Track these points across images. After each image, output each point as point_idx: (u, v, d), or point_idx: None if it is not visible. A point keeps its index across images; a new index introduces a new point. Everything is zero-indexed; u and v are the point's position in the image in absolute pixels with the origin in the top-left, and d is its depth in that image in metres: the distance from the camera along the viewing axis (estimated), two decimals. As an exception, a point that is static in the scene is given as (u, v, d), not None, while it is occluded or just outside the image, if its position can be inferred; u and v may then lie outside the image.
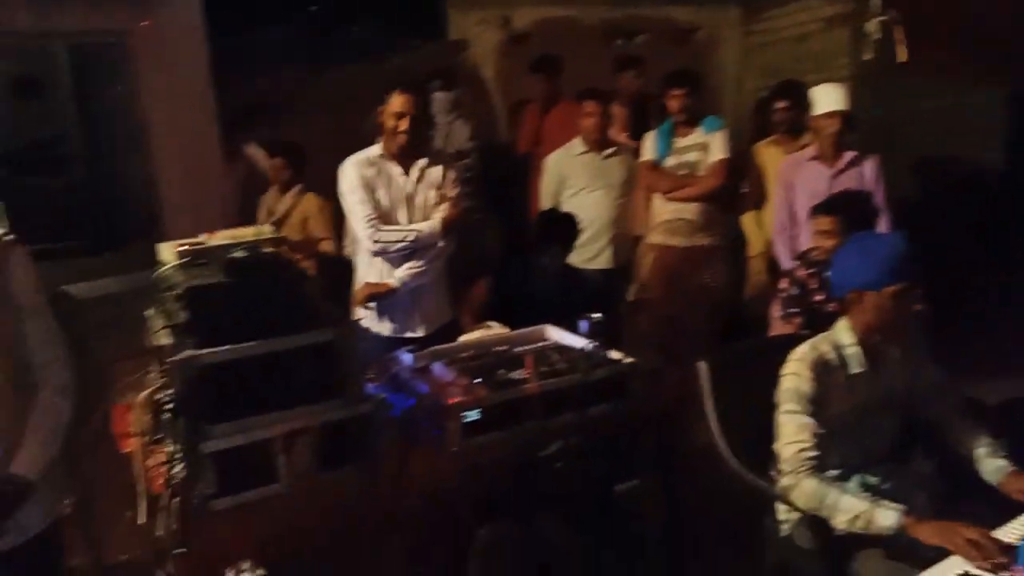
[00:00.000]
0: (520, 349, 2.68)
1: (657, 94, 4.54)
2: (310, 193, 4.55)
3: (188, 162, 4.75)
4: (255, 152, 5.05)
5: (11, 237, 1.92)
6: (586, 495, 2.51)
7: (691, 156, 4.20)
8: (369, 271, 3.20)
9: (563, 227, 3.88)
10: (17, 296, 1.87)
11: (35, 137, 5.44)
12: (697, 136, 4.20)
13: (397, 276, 3.13)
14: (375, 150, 3.16)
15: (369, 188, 3.10)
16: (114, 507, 2.79)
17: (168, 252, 2.30)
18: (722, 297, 4.39)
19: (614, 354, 2.61)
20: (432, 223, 3.14)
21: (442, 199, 3.18)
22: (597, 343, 2.61)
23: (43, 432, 1.89)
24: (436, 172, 3.19)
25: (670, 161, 4.23)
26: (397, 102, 3.01)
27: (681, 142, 4.22)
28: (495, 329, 2.98)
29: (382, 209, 3.12)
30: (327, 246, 4.43)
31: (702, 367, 2.52)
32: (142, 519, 2.30)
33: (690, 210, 4.20)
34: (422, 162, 3.16)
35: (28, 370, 1.90)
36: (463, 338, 2.93)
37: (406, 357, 2.64)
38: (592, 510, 2.53)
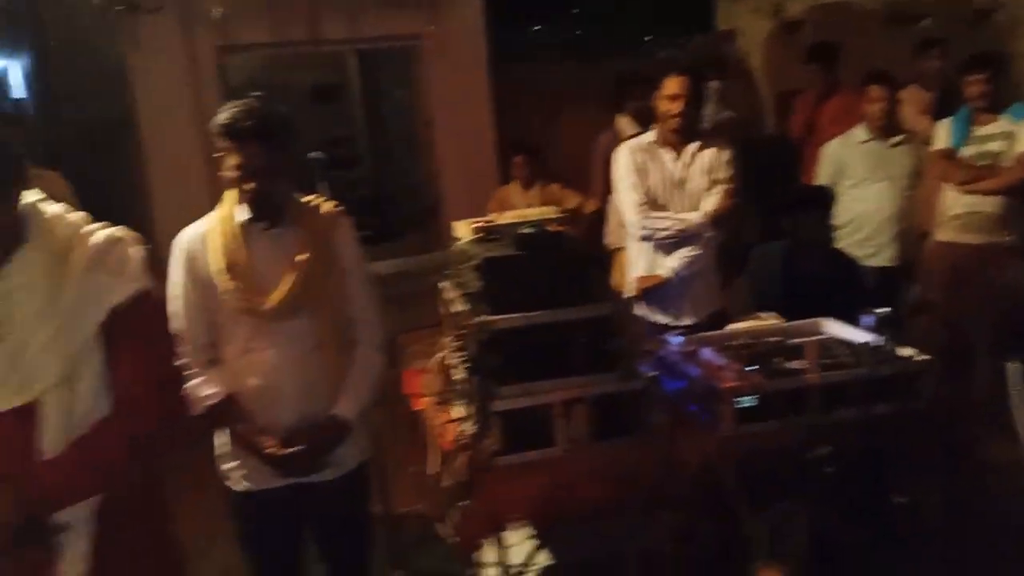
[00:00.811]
0: (795, 340, 2.59)
1: (954, 79, 4.16)
2: (554, 184, 4.76)
3: (467, 155, 5.10)
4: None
5: (340, 208, 2.19)
6: (861, 494, 2.39)
7: (993, 145, 3.81)
8: (639, 260, 3.25)
9: (816, 197, 3.60)
10: (344, 260, 2.13)
11: (332, 136, 6.17)
12: (1001, 124, 3.80)
13: (668, 265, 3.15)
14: (648, 136, 3.21)
15: (641, 173, 3.14)
16: (398, 463, 3.09)
17: (463, 229, 2.50)
18: (1020, 301, 3.92)
19: (904, 351, 2.45)
20: (701, 212, 3.13)
21: (713, 185, 3.15)
22: (884, 338, 2.46)
23: (360, 381, 2.14)
24: (707, 157, 3.16)
25: (968, 150, 3.86)
26: (672, 84, 3.03)
27: (981, 130, 3.84)
28: (767, 320, 2.91)
29: (653, 195, 3.15)
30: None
31: (1013, 369, 2.28)
32: (433, 470, 2.52)
33: (989, 203, 3.81)
34: (693, 147, 3.15)
35: (349, 327, 2.15)
36: (732, 327, 2.88)
37: (675, 340, 2.65)
38: (866, 508, 2.40)
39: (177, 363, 1.55)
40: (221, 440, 2.12)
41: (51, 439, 1.36)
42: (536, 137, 5.14)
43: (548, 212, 2.54)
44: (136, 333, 1.43)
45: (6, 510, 1.30)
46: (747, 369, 2.42)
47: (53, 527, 1.36)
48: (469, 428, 2.29)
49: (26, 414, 1.35)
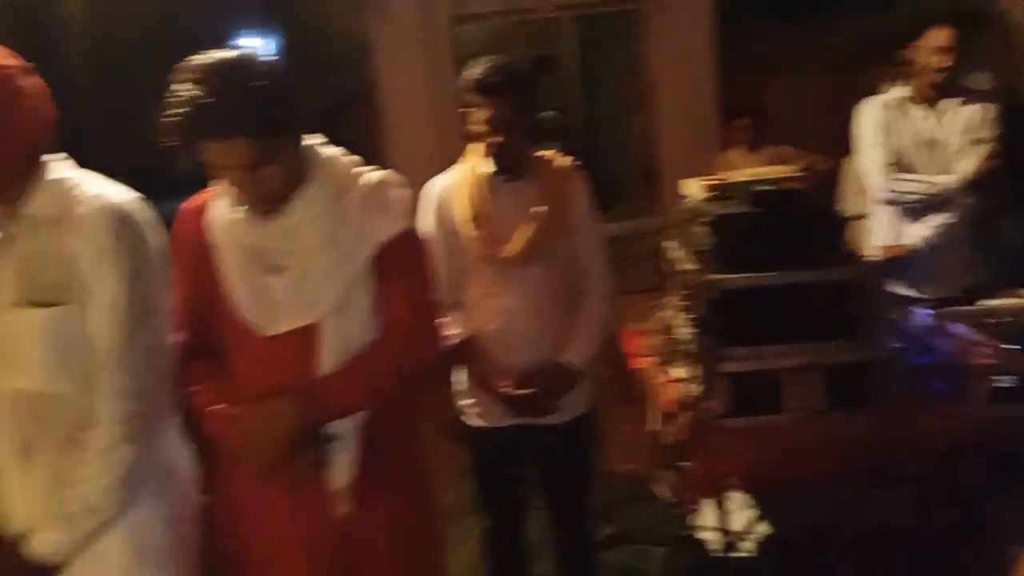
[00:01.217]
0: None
1: None
2: (785, 146, 4.54)
3: (688, 119, 5.00)
4: None
5: (575, 163, 2.24)
6: None
7: None
8: (882, 228, 3.04)
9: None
10: (577, 213, 2.19)
11: (547, 105, 6.25)
12: None
13: (916, 234, 2.93)
14: (897, 92, 2.98)
15: (887, 132, 2.93)
16: (613, 421, 3.12)
17: (694, 187, 2.47)
18: None
19: None
20: (957, 175, 2.87)
21: (971, 144, 2.87)
22: None
23: (589, 330, 2.19)
24: (968, 113, 2.89)
25: None
26: (940, 36, 2.78)
27: None
28: (1026, 296, 2.63)
29: (899, 155, 2.93)
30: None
31: None
32: (655, 427, 2.54)
33: None
34: (953, 102, 2.89)
35: (580, 277, 2.21)
36: (986, 302, 2.64)
37: (922, 312, 2.48)
38: None
39: (433, 298, 1.67)
40: (459, 378, 2.25)
41: (327, 358, 1.51)
42: (760, 100, 4.95)
43: (785, 170, 2.44)
44: (401, 266, 1.56)
45: (290, 418, 1.48)
46: (1005, 347, 2.23)
47: (325, 436, 1.52)
48: (693, 389, 2.28)
49: (308, 334, 1.51)
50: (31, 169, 1.45)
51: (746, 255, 2.15)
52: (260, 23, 5.17)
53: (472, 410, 2.26)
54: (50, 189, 1.45)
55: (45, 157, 1.48)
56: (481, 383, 2.17)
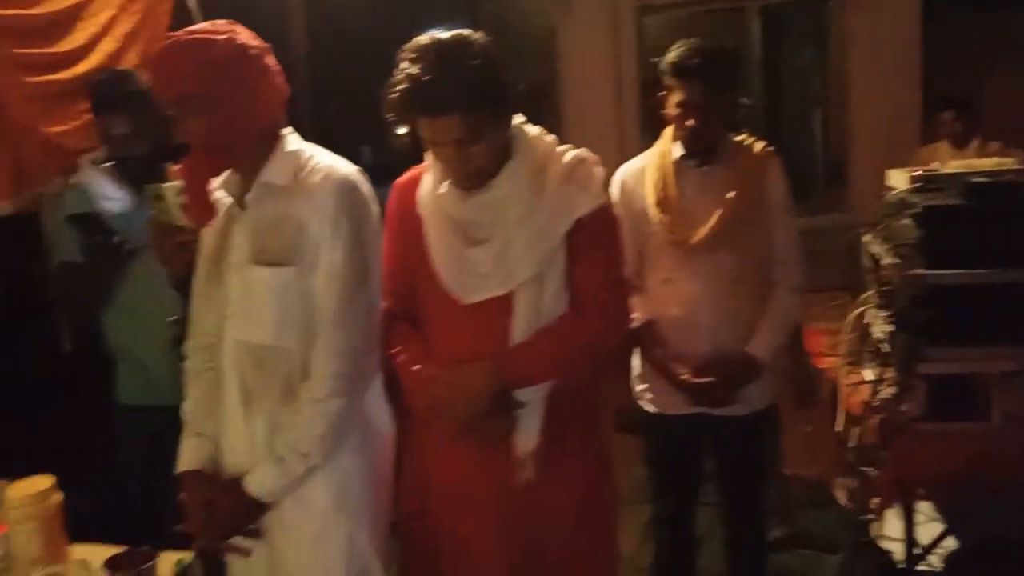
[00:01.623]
0: None
1: None
2: (991, 143, 4.18)
3: (885, 113, 4.71)
4: None
5: (771, 148, 2.18)
6: None
7: None
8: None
9: None
10: (771, 200, 2.13)
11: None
12: None
13: None
14: None
15: None
16: (792, 421, 3.01)
17: (899, 178, 2.34)
18: None
19: None
20: None
21: None
22: None
23: (776, 322, 2.13)
24: None
25: None
26: None
27: None
28: None
29: None
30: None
31: None
32: (839, 429, 2.44)
33: None
34: None
35: (769, 266, 2.15)
36: None
37: None
38: None
39: (623, 275, 1.69)
40: (637, 362, 2.26)
41: (520, 327, 1.57)
42: (967, 92, 4.59)
43: (1005, 163, 2.26)
44: (595, 242, 1.59)
45: (484, 382, 1.55)
46: None
47: (515, 402, 1.58)
48: (885, 390, 2.16)
49: (504, 304, 1.57)
50: (270, 141, 1.60)
51: (955, 250, 2.01)
52: (452, 16, 5.38)
53: (647, 396, 2.25)
54: (285, 160, 1.60)
55: (282, 131, 1.63)
56: (659, 369, 2.17)
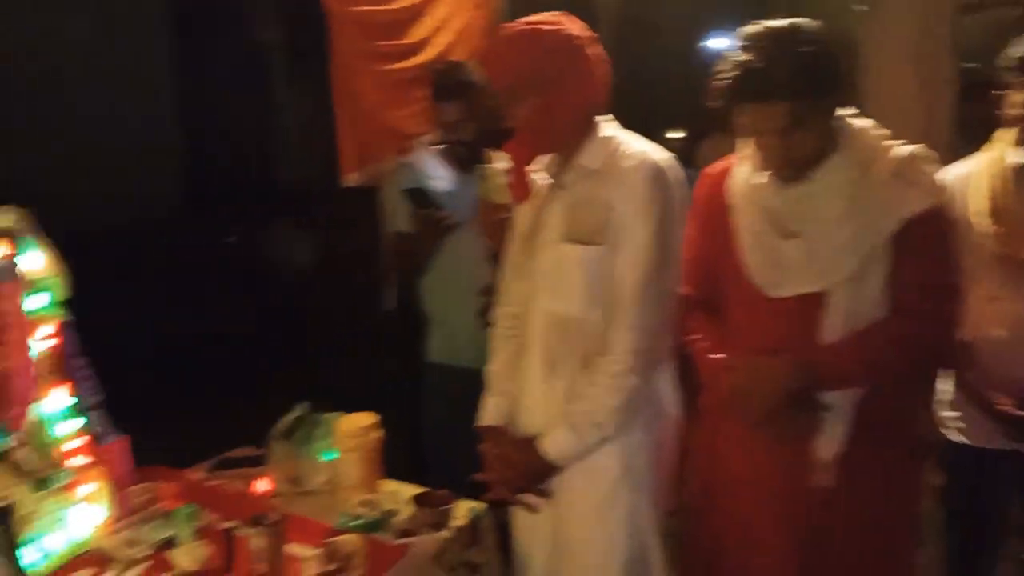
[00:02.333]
0: None
1: None
2: None
3: None
4: None
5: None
6: None
7: None
8: None
9: None
10: None
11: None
12: None
13: None
14: None
15: None
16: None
17: None
18: None
19: None
20: None
21: None
22: None
23: None
24: None
25: None
26: None
27: None
28: None
29: None
30: None
31: None
32: None
33: None
34: None
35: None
36: None
37: None
38: None
39: (957, 282, 1.57)
40: (947, 385, 2.07)
41: (832, 328, 1.51)
42: None
43: None
44: (924, 244, 1.49)
45: (787, 377, 1.52)
46: None
47: (819, 404, 1.53)
48: None
49: (813, 302, 1.53)
50: (587, 127, 1.69)
51: None
52: (750, 14, 5.25)
53: (956, 424, 2.05)
54: (600, 145, 1.68)
55: (597, 118, 1.71)
56: (973, 396, 1.97)
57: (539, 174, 1.77)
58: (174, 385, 2.66)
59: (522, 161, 1.75)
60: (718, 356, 1.62)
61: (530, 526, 1.79)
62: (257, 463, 2.09)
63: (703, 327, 1.69)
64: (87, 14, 2.72)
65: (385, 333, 2.94)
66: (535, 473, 1.69)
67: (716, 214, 1.67)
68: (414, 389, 2.51)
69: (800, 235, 1.55)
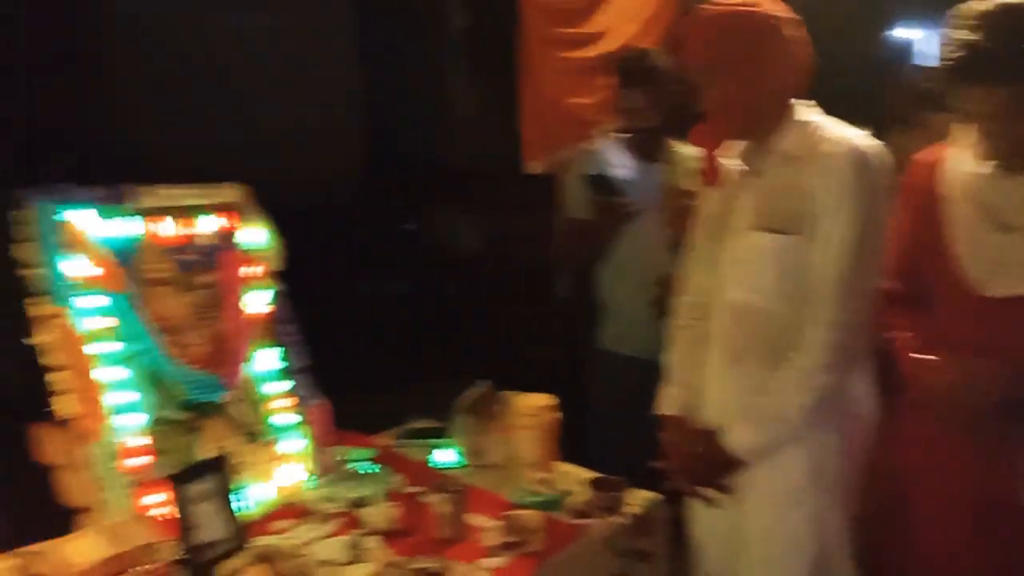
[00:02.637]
0: None
1: None
2: None
3: None
4: None
5: None
6: None
7: None
8: None
9: None
10: None
11: None
12: None
13: None
14: None
15: None
16: None
17: None
18: None
19: None
20: None
21: None
22: None
23: None
24: None
25: None
26: None
27: None
28: None
29: None
30: None
31: None
32: None
33: None
34: None
35: None
36: None
37: None
38: None
39: None
40: None
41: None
42: None
43: None
44: None
45: (1000, 382, 1.41)
46: None
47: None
48: None
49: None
50: (783, 111, 1.63)
51: None
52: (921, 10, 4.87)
53: None
54: (798, 129, 1.61)
55: (794, 100, 1.64)
56: None
57: (731, 160, 1.73)
58: (359, 358, 2.80)
59: (713, 146, 1.71)
60: (924, 356, 1.53)
61: (707, 520, 1.76)
62: (438, 435, 2.18)
63: (907, 324, 1.59)
64: (281, 5, 2.86)
65: (557, 320, 2.98)
66: (716, 466, 1.65)
67: (926, 205, 1.57)
68: (582, 376, 2.53)
69: (1018, 230, 1.43)
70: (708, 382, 1.72)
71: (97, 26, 2.38)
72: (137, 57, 2.45)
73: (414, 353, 3.01)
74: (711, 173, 1.73)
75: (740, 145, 1.71)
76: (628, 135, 2.40)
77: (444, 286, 3.22)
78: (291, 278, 2.02)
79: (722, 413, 1.67)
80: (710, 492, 1.67)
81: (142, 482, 1.66)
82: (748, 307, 1.64)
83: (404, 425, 2.30)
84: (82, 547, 1.48)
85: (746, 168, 1.68)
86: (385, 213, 3.20)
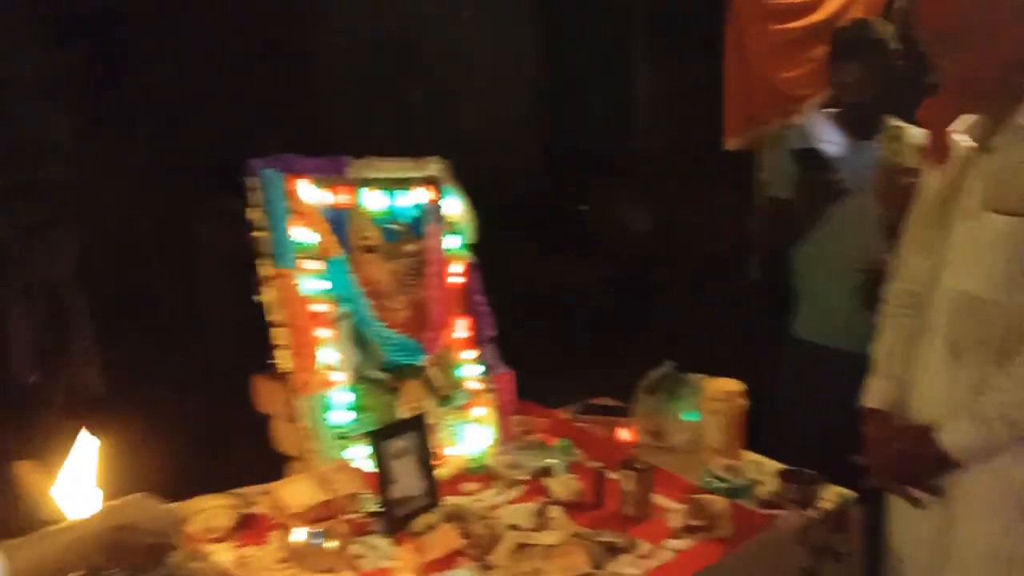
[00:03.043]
0: None
1: None
2: None
3: None
4: None
5: None
6: None
7: None
8: None
9: None
10: None
11: None
12: None
13: None
14: None
15: None
16: None
17: None
18: None
19: None
20: None
21: None
22: None
23: None
24: None
25: None
26: None
27: None
28: None
29: None
30: None
31: None
32: None
33: None
34: None
35: None
36: None
37: None
38: None
39: None
40: None
41: None
42: None
43: None
44: None
45: None
46: None
47: None
48: None
49: None
50: (1022, 82, 1.46)
51: None
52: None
53: None
54: None
55: None
56: None
57: (960, 136, 1.58)
58: (542, 333, 2.84)
59: (944, 121, 1.57)
60: None
61: (911, 523, 1.63)
62: (619, 413, 2.18)
63: None
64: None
65: (747, 304, 2.87)
66: (926, 465, 1.52)
67: None
68: (773, 364, 2.42)
69: None
70: (921, 376, 1.60)
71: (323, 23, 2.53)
72: (343, 47, 2.58)
73: (600, 334, 3.01)
74: (939, 150, 1.59)
75: (968, 120, 1.56)
76: (839, 110, 2.25)
77: (633, 268, 3.19)
78: (484, 254, 2.08)
79: (938, 411, 1.54)
80: (917, 492, 1.56)
81: (347, 435, 1.78)
82: (972, 297, 1.49)
83: (585, 401, 2.31)
84: (295, 491, 1.60)
85: (978, 145, 1.53)
86: (573, 195, 3.21)
